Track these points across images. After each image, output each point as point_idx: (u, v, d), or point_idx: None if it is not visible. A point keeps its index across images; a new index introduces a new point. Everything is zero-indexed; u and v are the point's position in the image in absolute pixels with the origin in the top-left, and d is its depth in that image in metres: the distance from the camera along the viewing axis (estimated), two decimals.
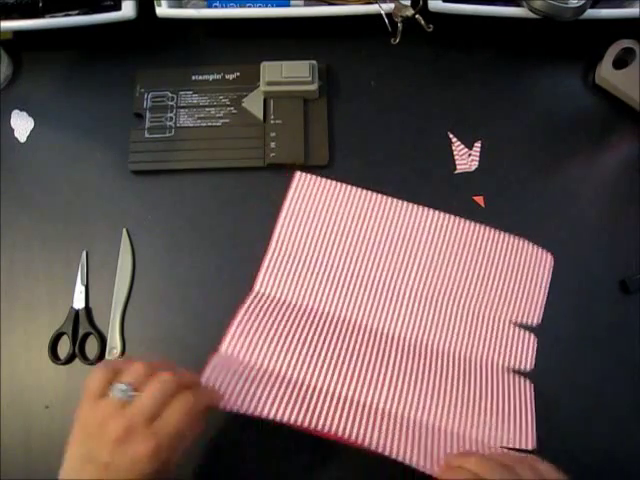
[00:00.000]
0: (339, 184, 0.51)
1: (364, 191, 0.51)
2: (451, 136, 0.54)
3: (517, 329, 0.47)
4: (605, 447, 0.46)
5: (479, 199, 0.52)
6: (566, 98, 0.56)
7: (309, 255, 0.49)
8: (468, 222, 0.50)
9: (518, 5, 0.51)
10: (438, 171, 0.53)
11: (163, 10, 0.52)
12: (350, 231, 0.49)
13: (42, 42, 0.57)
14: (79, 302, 0.49)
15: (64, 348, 0.48)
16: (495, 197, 0.52)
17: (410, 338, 0.46)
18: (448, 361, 0.45)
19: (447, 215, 0.50)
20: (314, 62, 0.53)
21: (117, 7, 0.53)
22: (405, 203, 0.51)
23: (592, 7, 0.51)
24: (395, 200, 0.50)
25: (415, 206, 0.50)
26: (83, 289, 0.49)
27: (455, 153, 0.54)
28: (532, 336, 0.47)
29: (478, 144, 0.54)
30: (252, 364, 0.43)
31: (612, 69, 0.53)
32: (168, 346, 0.48)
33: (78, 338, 0.48)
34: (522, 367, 0.46)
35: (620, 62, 0.54)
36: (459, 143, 0.54)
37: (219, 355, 0.44)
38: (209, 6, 0.54)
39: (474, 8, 0.51)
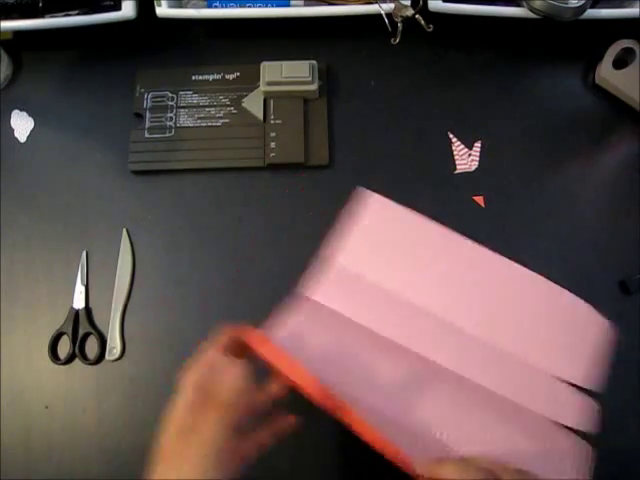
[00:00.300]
0: (410, 212, 0.50)
1: (431, 223, 0.49)
2: (451, 136, 0.54)
3: (572, 389, 0.45)
4: (604, 447, 0.46)
5: (479, 199, 0.52)
6: (566, 98, 0.56)
7: (366, 274, 0.48)
8: (536, 275, 0.48)
9: (518, 5, 0.51)
10: (438, 171, 0.53)
11: (163, 10, 0.52)
12: (411, 260, 0.48)
13: (42, 42, 0.57)
14: (79, 302, 0.49)
15: (64, 348, 0.48)
16: (495, 197, 0.52)
17: (454, 370, 0.45)
18: (489, 402, 0.44)
19: (513, 263, 0.48)
20: (314, 62, 0.53)
21: (117, 7, 0.53)
22: (471, 242, 0.49)
23: (592, 7, 0.51)
24: (463, 239, 0.49)
25: (482, 248, 0.49)
26: (83, 289, 0.49)
27: (455, 153, 0.54)
28: (591, 400, 0.44)
29: (478, 144, 0.54)
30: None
31: (612, 69, 0.53)
32: (168, 346, 0.48)
33: (78, 338, 0.48)
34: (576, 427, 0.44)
35: (620, 62, 0.54)
36: (459, 143, 0.54)
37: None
38: (209, 6, 0.54)
39: (474, 8, 0.51)
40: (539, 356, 0.46)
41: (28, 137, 0.55)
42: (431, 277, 0.48)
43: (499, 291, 0.48)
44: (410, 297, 0.47)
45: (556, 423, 0.44)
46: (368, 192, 0.50)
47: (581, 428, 0.44)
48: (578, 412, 0.44)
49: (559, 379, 0.46)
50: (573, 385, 0.45)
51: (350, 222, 0.49)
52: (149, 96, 0.54)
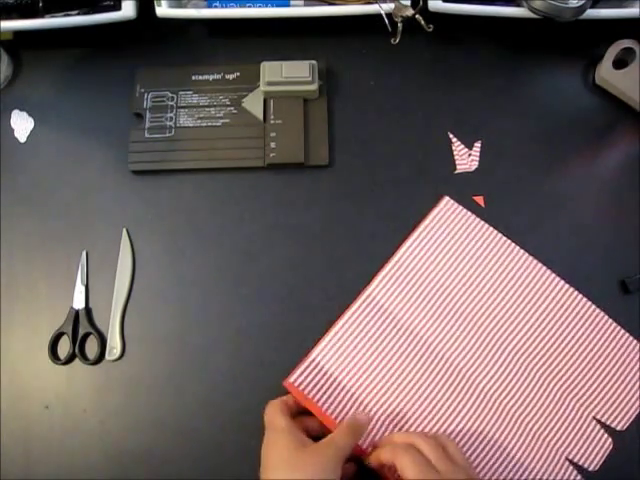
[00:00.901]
0: (481, 222, 0.50)
1: (502, 238, 0.50)
2: (451, 136, 0.54)
3: (596, 427, 0.45)
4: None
5: (479, 199, 0.52)
6: (566, 98, 0.56)
7: (427, 279, 0.48)
8: (594, 308, 0.48)
9: (518, 5, 0.51)
10: (438, 171, 0.53)
11: (163, 10, 0.52)
12: (475, 272, 0.49)
13: (42, 42, 0.57)
14: (79, 302, 0.49)
15: (64, 348, 0.48)
16: (495, 197, 0.52)
17: (491, 391, 0.46)
18: (513, 426, 0.45)
19: (576, 294, 0.48)
20: (314, 62, 0.53)
21: (117, 7, 0.53)
22: (540, 265, 0.49)
23: (592, 7, 0.51)
24: (531, 258, 0.49)
25: (548, 272, 0.49)
26: (83, 289, 0.49)
27: (455, 153, 0.54)
28: (609, 440, 0.44)
29: (478, 144, 0.54)
30: (338, 377, 0.45)
31: (612, 69, 0.53)
32: (168, 346, 0.48)
33: (78, 338, 0.48)
34: (584, 465, 0.44)
35: (620, 62, 0.54)
36: (459, 143, 0.54)
37: (308, 362, 0.46)
38: (209, 6, 0.54)
39: (474, 8, 0.51)
40: (580, 389, 0.46)
41: (28, 137, 0.55)
42: (489, 291, 0.48)
43: (555, 317, 0.48)
44: (461, 304, 0.48)
45: (567, 459, 0.44)
46: (445, 197, 0.51)
47: (590, 468, 0.44)
48: (594, 452, 0.44)
49: (591, 415, 0.45)
50: (600, 423, 0.45)
51: (420, 221, 0.50)
52: (149, 96, 0.54)
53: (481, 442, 0.44)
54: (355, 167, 0.53)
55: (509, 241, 0.50)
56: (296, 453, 0.37)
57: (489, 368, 0.46)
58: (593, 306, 0.48)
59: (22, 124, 0.55)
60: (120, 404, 0.47)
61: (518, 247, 0.50)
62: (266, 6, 0.53)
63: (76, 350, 0.47)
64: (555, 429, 0.44)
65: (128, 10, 0.52)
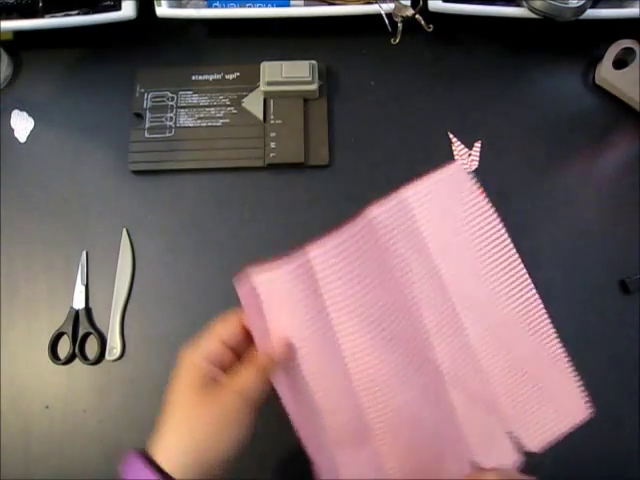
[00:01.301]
0: (484, 201, 0.45)
1: (498, 226, 0.45)
2: (451, 136, 0.54)
3: (511, 443, 0.42)
4: (603, 447, 0.46)
5: None
6: (566, 98, 0.56)
7: (420, 225, 0.43)
8: (550, 328, 0.44)
9: (518, 5, 0.51)
10: None
11: (163, 10, 0.52)
12: (462, 242, 0.44)
13: (42, 42, 0.57)
14: (79, 302, 0.49)
15: (64, 348, 0.48)
16: (495, 197, 0.52)
17: (437, 365, 0.42)
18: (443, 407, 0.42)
19: (542, 310, 0.44)
20: (314, 62, 0.53)
21: (117, 7, 0.53)
22: (518, 262, 0.44)
23: (592, 7, 0.51)
24: (514, 253, 0.44)
25: (527, 282, 0.44)
26: (83, 289, 0.49)
27: (455, 153, 0.54)
28: (518, 458, 0.42)
29: (478, 144, 0.54)
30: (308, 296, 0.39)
31: (612, 69, 0.53)
32: (168, 346, 0.48)
33: (78, 338, 0.48)
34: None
35: (620, 62, 0.54)
36: (459, 143, 0.54)
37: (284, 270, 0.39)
38: (209, 6, 0.54)
39: (474, 8, 0.51)
40: (507, 400, 0.43)
41: (28, 137, 0.55)
42: (470, 268, 0.44)
43: (514, 325, 0.44)
44: (445, 274, 0.43)
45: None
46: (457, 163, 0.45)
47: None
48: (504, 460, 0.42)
49: (508, 431, 0.43)
50: (513, 438, 0.43)
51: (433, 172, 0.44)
52: (149, 96, 0.54)
53: (415, 418, 0.41)
54: (355, 167, 0.53)
55: (504, 232, 0.45)
56: (202, 404, 0.34)
57: (440, 344, 0.43)
58: (550, 327, 0.44)
59: (22, 124, 0.55)
60: (120, 404, 0.47)
61: (508, 240, 0.45)
62: (266, 6, 0.53)
63: (76, 350, 0.48)
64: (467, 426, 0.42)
65: (128, 10, 0.52)
